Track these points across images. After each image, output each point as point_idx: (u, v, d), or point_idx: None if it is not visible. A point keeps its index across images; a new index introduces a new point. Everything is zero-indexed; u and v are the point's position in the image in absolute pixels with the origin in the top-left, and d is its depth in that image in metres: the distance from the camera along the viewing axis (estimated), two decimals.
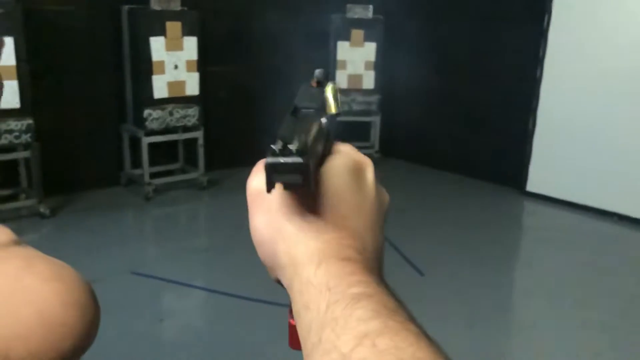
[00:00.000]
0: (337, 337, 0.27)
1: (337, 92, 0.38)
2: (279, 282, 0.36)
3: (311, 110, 0.37)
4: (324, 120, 0.37)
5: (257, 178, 0.36)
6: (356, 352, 0.26)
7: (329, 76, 0.40)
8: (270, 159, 0.31)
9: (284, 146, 0.31)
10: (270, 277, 0.36)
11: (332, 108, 0.38)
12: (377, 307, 0.28)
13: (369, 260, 0.32)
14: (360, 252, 0.32)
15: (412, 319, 0.29)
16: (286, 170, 0.30)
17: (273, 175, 0.31)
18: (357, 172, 0.36)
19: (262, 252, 0.36)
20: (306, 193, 0.33)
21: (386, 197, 0.37)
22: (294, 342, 0.36)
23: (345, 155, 0.36)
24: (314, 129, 0.34)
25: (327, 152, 0.36)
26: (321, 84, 0.39)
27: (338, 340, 0.27)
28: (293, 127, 0.33)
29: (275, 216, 0.34)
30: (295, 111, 0.36)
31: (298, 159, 0.30)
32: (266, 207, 0.35)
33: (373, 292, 0.29)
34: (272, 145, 0.31)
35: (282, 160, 0.30)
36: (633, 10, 3.87)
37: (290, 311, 0.37)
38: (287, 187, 0.32)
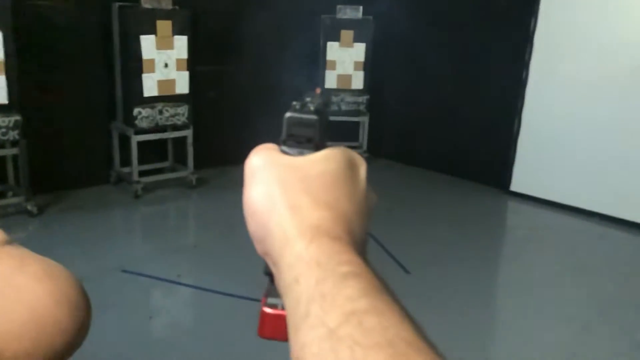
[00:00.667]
0: (325, 313, 0.28)
1: None
2: (265, 257, 0.36)
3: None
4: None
5: (257, 156, 0.37)
6: (343, 328, 0.27)
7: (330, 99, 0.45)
8: (290, 113, 0.37)
9: (304, 104, 0.37)
10: (257, 251, 0.37)
11: None
12: (365, 287, 0.29)
13: (356, 244, 0.33)
14: (348, 234, 0.33)
15: (396, 300, 0.30)
16: (303, 124, 0.36)
17: (291, 128, 0.37)
18: (352, 165, 0.37)
19: (254, 222, 0.36)
20: (306, 172, 0.35)
21: (374, 197, 0.38)
22: (265, 330, 0.38)
23: (343, 149, 0.38)
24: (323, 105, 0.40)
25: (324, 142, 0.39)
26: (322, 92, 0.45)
27: (326, 316, 0.28)
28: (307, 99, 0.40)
29: (273, 189, 0.35)
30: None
31: (313, 116, 0.37)
32: (265, 180, 0.35)
33: (361, 271, 0.30)
34: (293, 102, 0.37)
35: (299, 115, 0.37)
36: (617, 16, 3.95)
37: (265, 299, 0.38)
38: (299, 142, 0.37)
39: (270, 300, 0.38)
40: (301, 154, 0.37)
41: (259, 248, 0.36)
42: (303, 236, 0.32)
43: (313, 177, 0.35)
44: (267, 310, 0.38)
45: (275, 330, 0.38)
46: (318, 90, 0.43)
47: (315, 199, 0.34)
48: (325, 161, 0.36)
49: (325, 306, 0.28)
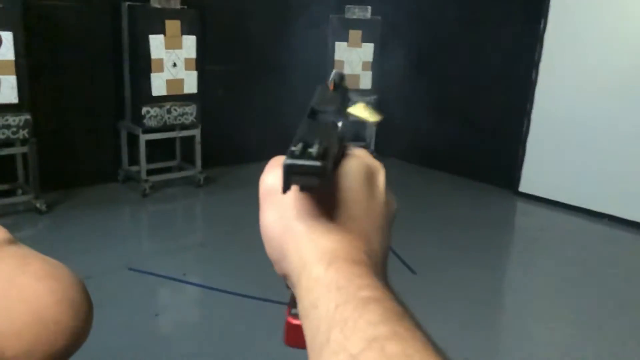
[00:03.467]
0: (345, 338, 0.27)
1: (368, 107, 0.40)
2: (284, 278, 0.36)
3: (329, 112, 0.37)
4: (340, 123, 0.37)
5: (271, 175, 0.35)
6: (365, 355, 0.26)
7: (344, 78, 0.40)
8: (289, 161, 0.30)
9: (304, 149, 0.31)
10: (276, 271, 0.36)
11: (371, 119, 0.40)
12: (386, 312, 0.28)
13: (376, 264, 0.32)
14: (368, 255, 0.32)
15: (418, 325, 0.29)
16: (304, 172, 0.30)
17: (290, 177, 0.31)
18: (369, 176, 0.36)
19: (271, 247, 0.35)
20: (320, 193, 0.33)
21: (394, 204, 0.37)
22: (290, 339, 0.38)
23: (359, 158, 0.36)
24: (333, 133, 0.34)
25: (340, 155, 0.36)
26: (337, 87, 0.40)
27: (347, 342, 0.27)
28: (312, 129, 0.34)
29: (286, 213, 0.34)
30: (312, 113, 0.36)
31: (316, 163, 0.30)
32: (278, 204, 0.34)
33: (381, 296, 0.29)
34: (292, 148, 0.31)
35: (300, 162, 0.30)
36: (628, 15, 3.91)
37: (289, 309, 0.38)
38: (302, 188, 0.32)
39: (294, 310, 0.37)
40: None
41: (277, 269, 0.36)
42: (320, 261, 0.31)
43: (329, 197, 0.34)
44: (292, 321, 0.38)
45: (300, 339, 0.37)
46: (332, 87, 0.39)
47: (332, 221, 0.33)
48: (342, 179, 0.35)
49: (347, 331, 0.27)
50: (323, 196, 0.34)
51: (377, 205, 0.35)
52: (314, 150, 0.30)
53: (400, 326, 0.27)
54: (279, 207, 0.34)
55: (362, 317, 0.28)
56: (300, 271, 0.32)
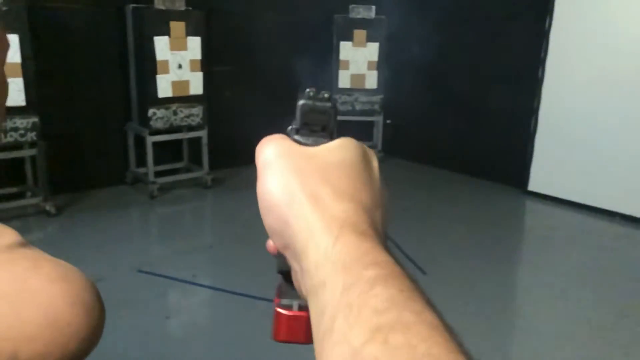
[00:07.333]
0: (349, 327, 0.26)
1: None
2: (282, 250, 0.35)
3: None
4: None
5: (271, 146, 0.35)
6: (367, 348, 0.25)
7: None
8: (304, 101, 0.36)
9: (317, 92, 0.37)
10: (272, 244, 0.35)
11: None
12: (393, 295, 0.27)
13: (380, 236, 0.32)
14: (372, 227, 0.32)
15: (428, 303, 0.28)
16: (317, 110, 0.36)
17: (305, 115, 0.36)
18: (366, 154, 0.36)
19: (272, 215, 0.34)
20: (323, 163, 0.34)
21: (387, 192, 0.37)
22: (280, 333, 0.36)
23: (354, 140, 0.37)
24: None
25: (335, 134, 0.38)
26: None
27: (350, 332, 0.26)
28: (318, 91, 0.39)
29: (290, 179, 0.33)
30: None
31: (327, 104, 0.37)
32: (281, 170, 0.34)
33: (388, 274, 0.28)
34: (307, 89, 0.37)
35: (313, 103, 0.36)
36: (634, 12, 3.88)
37: (278, 297, 0.37)
38: (313, 129, 0.36)
39: (284, 301, 0.36)
40: (316, 142, 0.36)
41: (277, 242, 0.35)
42: (329, 231, 0.31)
43: (331, 166, 0.34)
44: (282, 311, 0.36)
45: (292, 332, 0.36)
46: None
47: (336, 189, 0.33)
48: (342, 150, 0.35)
49: (351, 319, 0.27)
50: (326, 165, 0.34)
51: (375, 182, 0.35)
52: (325, 93, 0.37)
53: (406, 310, 0.27)
54: (282, 174, 0.34)
55: (367, 303, 0.27)
56: (307, 239, 0.31)
